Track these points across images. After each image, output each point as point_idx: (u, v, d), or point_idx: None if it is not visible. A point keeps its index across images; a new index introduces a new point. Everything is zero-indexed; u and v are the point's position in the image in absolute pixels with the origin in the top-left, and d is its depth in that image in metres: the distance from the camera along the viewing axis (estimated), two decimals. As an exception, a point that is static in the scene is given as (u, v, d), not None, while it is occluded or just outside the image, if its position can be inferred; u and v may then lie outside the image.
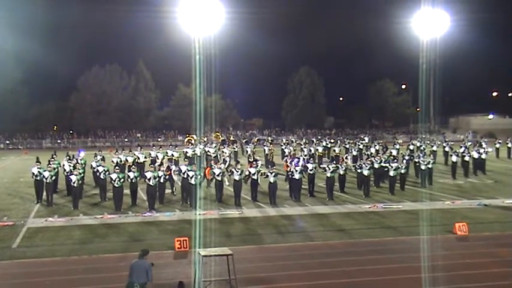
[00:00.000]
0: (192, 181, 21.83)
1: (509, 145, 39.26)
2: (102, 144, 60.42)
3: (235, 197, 22.33)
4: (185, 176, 22.22)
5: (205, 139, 36.15)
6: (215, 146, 33.76)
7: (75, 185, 21.76)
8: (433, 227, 17.48)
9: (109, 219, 19.61)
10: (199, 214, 19.79)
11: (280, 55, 69.94)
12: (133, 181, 22.08)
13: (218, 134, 38.72)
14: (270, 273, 13.50)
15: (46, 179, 22.49)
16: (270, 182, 22.59)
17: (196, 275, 11.61)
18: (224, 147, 34.04)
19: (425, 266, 13.18)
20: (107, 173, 23.05)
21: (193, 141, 34.94)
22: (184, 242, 15.52)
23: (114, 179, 21.25)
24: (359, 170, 25.39)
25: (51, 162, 24.04)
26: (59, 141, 64.01)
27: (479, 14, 61.00)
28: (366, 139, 42.59)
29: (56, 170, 24.45)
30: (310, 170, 24.34)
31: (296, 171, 23.16)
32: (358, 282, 12.89)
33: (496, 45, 71.25)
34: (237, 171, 22.51)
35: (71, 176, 22.17)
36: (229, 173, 23.65)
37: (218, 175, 22.75)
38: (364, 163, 25.50)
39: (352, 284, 12.81)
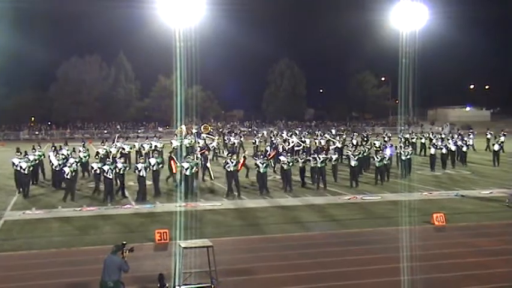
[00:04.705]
0: (187, 172, 21.80)
1: (489, 136, 39.71)
2: (81, 136, 59.77)
3: (227, 189, 22.45)
4: (154, 168, 22.17)
5: (193, 130, 35.71)
6: (204, 138, 33.46)
7: (68, 176, 21.49)
8: (411, 218, 17.69)
9: (88, 211, 19.45)
10: (180, 206, 19.75)
11: (261, 47, 69.93)
12: (120, 172, 21.83)
13: (207, 125, 38.11)
14: (250, 264, 13.55)
15: (24, 170, 22.19)
16: (259, 172, 22.76)
17: (176, 267, 11.60)
18: (209, 139, 33.82)
19: (403, 256, 13.35)
20: (78, 164, 23.21)
21: (178, 133, 34.46)
22: (165, 234, 15.49)
23: (106, 170, 21.04)
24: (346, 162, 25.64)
25: (28, 154, 23.70)
26: (36, 132, 63.10)
27: (458, 7, 61.72)
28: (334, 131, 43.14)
29: (37, 161, 24.10)
30: (287, 163, 24.19)
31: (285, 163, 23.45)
32: (337, 273, 13.01)
33: (473, 39, 72.27)
34: (232, 162, 22.42)
35: (64, 168, 21.91)
36: (224, 164, 23.48)
37: (186, 169, 22.00)
38: (352, 154, 25.60)
39: (332, 275, 12.92)
